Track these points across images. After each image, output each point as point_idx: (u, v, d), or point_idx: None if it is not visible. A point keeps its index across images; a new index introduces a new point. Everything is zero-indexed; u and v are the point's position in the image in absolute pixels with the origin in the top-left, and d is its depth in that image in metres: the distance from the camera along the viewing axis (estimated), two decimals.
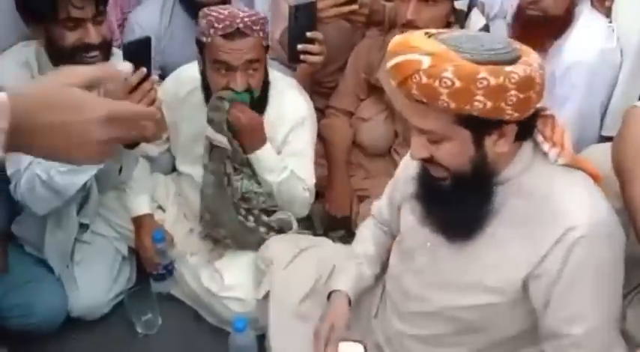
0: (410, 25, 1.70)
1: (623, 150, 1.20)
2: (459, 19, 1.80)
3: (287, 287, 1.44)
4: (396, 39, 1.01)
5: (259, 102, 1.66)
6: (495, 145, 1.01)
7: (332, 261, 1.48)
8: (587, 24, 1.70)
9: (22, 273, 1.67)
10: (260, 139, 1.66)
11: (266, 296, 1.48)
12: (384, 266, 1.40)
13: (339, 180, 1.99)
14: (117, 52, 1.60)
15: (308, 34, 1.66)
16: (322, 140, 1.99)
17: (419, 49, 0.96)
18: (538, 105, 1.02)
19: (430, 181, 1.11)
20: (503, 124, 0.99)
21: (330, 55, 1.80)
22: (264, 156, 1.67)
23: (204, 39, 1.56)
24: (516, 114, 0.97)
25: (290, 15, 1.64)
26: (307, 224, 1.92)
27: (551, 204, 1.04)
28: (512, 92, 0.93)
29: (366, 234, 1.47)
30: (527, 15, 1.68)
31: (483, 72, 0.92)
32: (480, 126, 0.99)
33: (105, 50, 1.54)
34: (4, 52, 1.62)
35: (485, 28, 1.78)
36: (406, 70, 0.96)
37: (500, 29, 1.95)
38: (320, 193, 1.96)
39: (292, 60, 1.73)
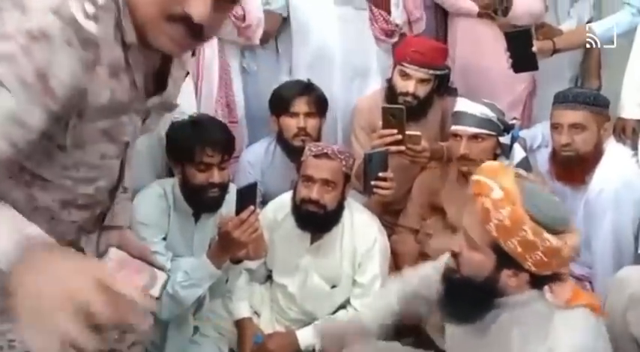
0: (464, 159, 2.09)
1: None
2: (504, 151, 2.15)
3: None
4: (493, 163, 1.35)
5: (332, 219, 2.02)
6: (508, 279, 1.27)
7: None
8: (612, 155, 2.01)
9: None
10: None
11: None
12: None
13: None
14: (231, 188, 2.02)
15: (380, 173, 2.03)
16: (392, 253, 2.30)
17: (499, 182, 1.23)
18: (562, 270, 1.28)
19: (446, 272, 1.33)
20: (521, 269, 1.24)
21: (398, 183, 2.16)
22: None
23: (302, 159, 2.02)
24: (533, 269, 1.22)
25: (365, 160, 2.04)
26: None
27: (540, 338, 1.26)
28: (539, 253, 1.19)
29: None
30: (562, 156, 2.01)
31: (528, 226, 1.18)
32: (504, 259, 1.24)
33: (223, 188, 1.98)
34: (144, 188, 2.09)
35: (525, 160, 2.11)
36: (480, 189, 1.24)
37: (545, 157, 2.29)
38: None
39: (367, 193, 2.11)
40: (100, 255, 1.34)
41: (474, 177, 1.28)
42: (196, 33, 0.97)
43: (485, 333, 1.34)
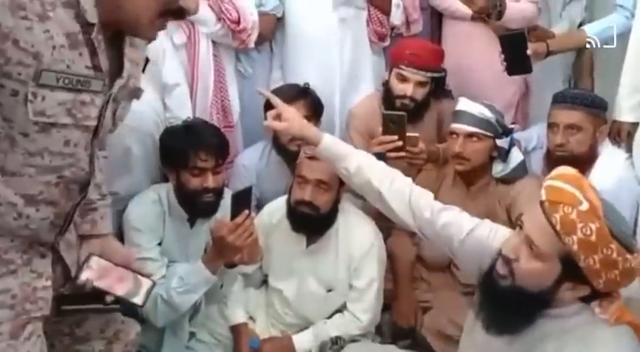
0: (459, 157, 2.10)
1: None
2: (500, 154, 2.14)
3: None
4: (570, 170, 1.23)
5: (326, 221, 2.02)
6: (565, 291, 1.19)
7: None
8: (607, 157, 2.03)
9: None
10: None
11: None
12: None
13: (404, 293, 2.26)
14: (226, 193, 2.02)
15: None
16: (388, 256, 2.29)
17: (584, 192, 1.15)
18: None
19: (491, 275, 1.23)
20: (584, 283, 1.17)
21: None
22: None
23: (297, 162, 2.00)
24: (600, 286, 1.15)
25: None
26: (378, 332, 2.20)
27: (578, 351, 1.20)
28: (617, 272, 1.13)
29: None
30: (556, 156, 2.02)
31: (614, 246, 1.12)
32: (570, 271, 1.15)
33: (218, 193, 1.97)
34: (139, 193, 2.08)
35: (522, 163, 2.12)
36: (565, 198, 1.14)
37: (539, 159, 2.30)
38: (387, 305, 2.23)
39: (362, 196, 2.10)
40: (81, 264, 1.33)
41: (553, 183, 1.19)
42: (177, 19, 1.16)
43: (515, 341, 1.26)
